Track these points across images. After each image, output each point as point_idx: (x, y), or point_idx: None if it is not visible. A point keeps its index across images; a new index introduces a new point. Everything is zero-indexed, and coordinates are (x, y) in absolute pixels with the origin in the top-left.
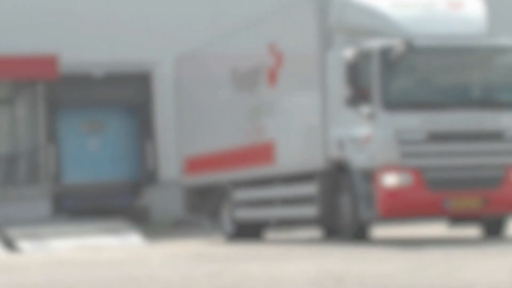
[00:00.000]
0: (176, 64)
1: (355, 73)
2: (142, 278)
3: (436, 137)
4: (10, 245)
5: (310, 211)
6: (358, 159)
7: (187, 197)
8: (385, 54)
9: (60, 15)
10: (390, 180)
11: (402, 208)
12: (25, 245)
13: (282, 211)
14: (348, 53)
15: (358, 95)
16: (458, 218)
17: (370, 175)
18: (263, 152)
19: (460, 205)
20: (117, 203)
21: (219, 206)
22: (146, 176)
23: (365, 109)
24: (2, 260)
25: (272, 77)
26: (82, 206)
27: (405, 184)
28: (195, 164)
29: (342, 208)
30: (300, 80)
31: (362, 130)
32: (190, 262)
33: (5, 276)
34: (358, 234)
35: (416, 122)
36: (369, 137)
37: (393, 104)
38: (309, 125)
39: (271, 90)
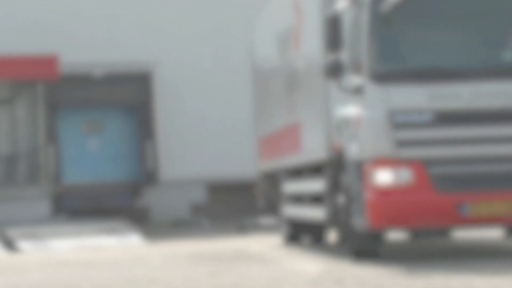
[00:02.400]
0: (249, 33)
1: (336, 32)
2: (141, 279)
3: (447, 118)
4: (10, 245)
5: (319, 212)
6: (351, 149)
7: (261, 189)
8: (377, 5)
9: (60, 15)
10: (382, 177)
11: (398, 215)
12: (25, 245)
13: (300, 210)
14: (328, 6)
15: (340, 62)
16: None
17: (361, 170)
18: (292, 136)
19: (482, 210)
20: (117, 203)
21: (276, 200)
22: (146, 176)
23: (350, 81)
24: (2, 260)
25: (297, 39)
26: (82, 206)
27: (402, 182)
28: (262, 149)
29: (339, 212)
30: (309, 42)
31: (353, 109)
32: (190, 263)
33: (5, 276)
34: (361, 251)
35: (418, 98)
36: (358, 119)
37: (386, 73)
38: (316, 102)
39: (296, 56)
